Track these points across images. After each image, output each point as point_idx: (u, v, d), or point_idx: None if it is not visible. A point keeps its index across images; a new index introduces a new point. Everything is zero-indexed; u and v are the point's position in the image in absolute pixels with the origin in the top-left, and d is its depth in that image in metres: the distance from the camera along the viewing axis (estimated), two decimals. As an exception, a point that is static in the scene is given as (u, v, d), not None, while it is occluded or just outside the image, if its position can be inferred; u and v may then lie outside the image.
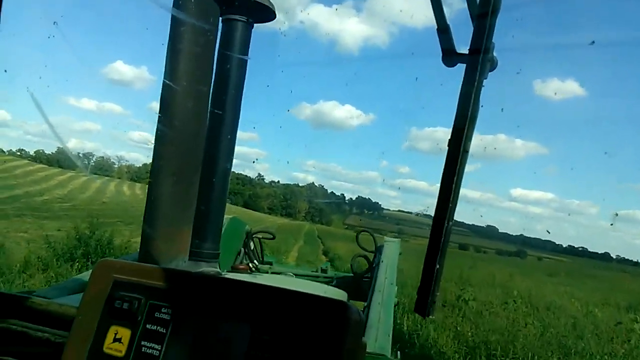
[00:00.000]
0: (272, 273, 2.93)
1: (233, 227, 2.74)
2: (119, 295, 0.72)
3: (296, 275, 3.03)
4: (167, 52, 1.08)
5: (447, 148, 0.87)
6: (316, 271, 3.33)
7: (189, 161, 1.12)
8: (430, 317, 0.91)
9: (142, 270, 0.75)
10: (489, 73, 0.89)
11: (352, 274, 3.16)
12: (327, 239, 35.32)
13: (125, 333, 0.70)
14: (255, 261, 2.85)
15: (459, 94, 0.87)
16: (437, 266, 0.85)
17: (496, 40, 0.87)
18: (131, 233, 10.70)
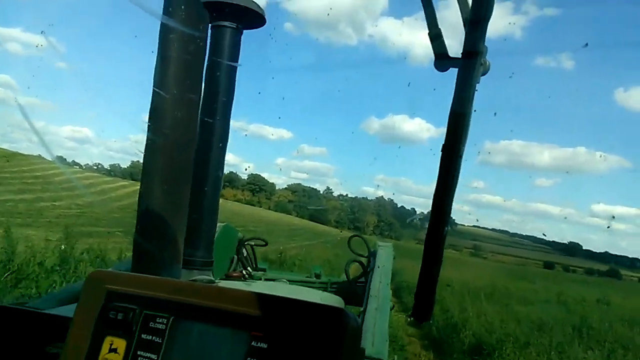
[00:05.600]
0: (266, 280, 2.91)
1: (225, 234, 2.72)
2: (113, 305, 0.71)
3: (290, 281, 3.00)
4: (156, 60, 1.07)
5: (440, 153, 0.87)
6: (310, 277, 3.31)
7: (180, 170, 1.11)
8: (429, 322, 0.91)
9: (135, 280, 0.75)
10: (481, 77, 0.90)
11: (346, 279, 3.14)
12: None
13: (120, 343, 0.70)
14: (248, 268, 2.83)
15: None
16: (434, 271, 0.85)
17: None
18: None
